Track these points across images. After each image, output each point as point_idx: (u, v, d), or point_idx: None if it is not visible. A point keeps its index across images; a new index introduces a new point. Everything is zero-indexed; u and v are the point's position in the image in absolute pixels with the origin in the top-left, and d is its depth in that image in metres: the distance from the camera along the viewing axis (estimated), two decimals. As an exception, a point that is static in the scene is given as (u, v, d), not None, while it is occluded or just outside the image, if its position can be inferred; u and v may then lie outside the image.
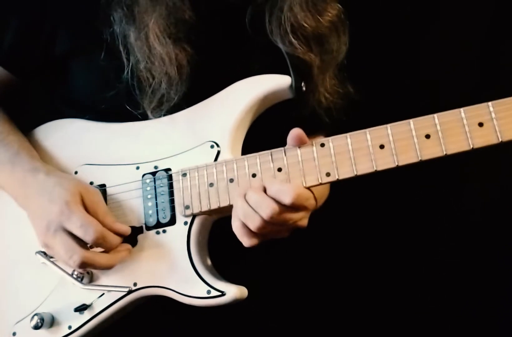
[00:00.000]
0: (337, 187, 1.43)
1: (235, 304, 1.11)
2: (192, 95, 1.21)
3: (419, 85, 1.66)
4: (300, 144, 1.09)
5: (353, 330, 1.68)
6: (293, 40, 1.22)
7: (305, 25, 1.23)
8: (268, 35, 1.24)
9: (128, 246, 1.17)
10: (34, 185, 1.18)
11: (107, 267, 1.14)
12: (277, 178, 1.09)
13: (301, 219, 1.08)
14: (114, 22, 1.19)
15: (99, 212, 1.14)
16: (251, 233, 1.07)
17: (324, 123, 1.32)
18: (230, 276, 1.16)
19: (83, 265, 1.11)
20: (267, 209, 1.02)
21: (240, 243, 1.21)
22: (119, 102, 1.21)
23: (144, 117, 1.22)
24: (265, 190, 1.05)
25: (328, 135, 1.13)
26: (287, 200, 1.03)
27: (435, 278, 1.74)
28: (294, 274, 1.48)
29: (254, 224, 1.04)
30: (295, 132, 1.08)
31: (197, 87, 1.21)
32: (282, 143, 1.13)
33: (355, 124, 1.11)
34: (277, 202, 1.04)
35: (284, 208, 1.04)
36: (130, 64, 1.19)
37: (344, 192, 1.45)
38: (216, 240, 1.19)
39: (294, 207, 1.05)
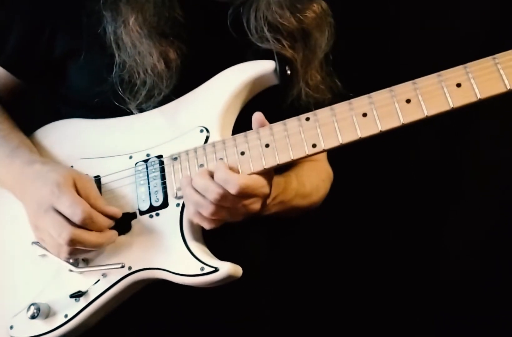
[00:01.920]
0: (340, 187, 1.44)
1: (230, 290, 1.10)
2: (183, 88, 1.25)
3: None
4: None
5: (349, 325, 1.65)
6: (269, 37, 1.26)
7: (284, 22, 1.26)
8: (247, 34, 1.27)
9: (115, 231, 1.17)
10: (30, 174, 1.21)
11: (96, 246, 1.14)
12: (264, 154, 1.11)
13: (252, 203, 1.09)
14: (106, 20, 1.25)
15: (91, 196, 1.16)
16: (207, 218, 1.09)
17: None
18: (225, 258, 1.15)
19: (72, 242, 1.11)
20: (214, 194, 1.05)
21: (235, 227, 1.22)
22: (111, 95, 1.25)
23: (136, 109, 1.25)
24: (212, 175, 1.08)
25: None
26: (232, 191, 1.05)
27: (436, 277, 1.72)
28: (291, 255, 1.46)
29: (206, 211, 1.08)
30: (256, 116, 1.12)
31: (188, 79, 1.24)
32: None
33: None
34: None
35: (231, 194, 1.06)
36: (121, 59, 1.24)
37: (346, 190, 1.45)
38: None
39: (241, 196, 1.07)
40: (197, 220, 1.10)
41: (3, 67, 1.34)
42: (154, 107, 1.25)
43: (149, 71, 1.22)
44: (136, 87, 1.23)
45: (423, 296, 1.71)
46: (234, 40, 1.28)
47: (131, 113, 1.28)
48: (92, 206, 1.15)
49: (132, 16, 1.23)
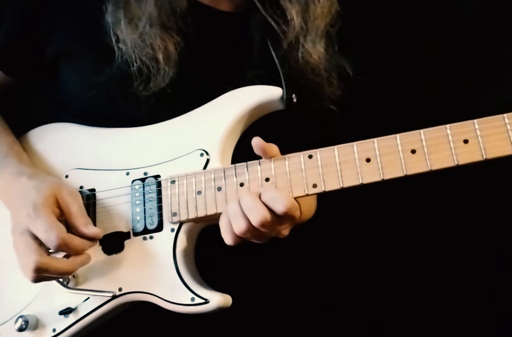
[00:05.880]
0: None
1: (220, 312, 1.12)
2: (178, 82, 1.23)
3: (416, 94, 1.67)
4: (265, 153, 1.10)
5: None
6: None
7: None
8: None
9: (87, 255, 1.16)
10: (16, 188, 1.19)
11: (65, 273, 1.13)
12: (264, 188, 1.11)
13: (285, 228, 1.10)
14: (106, 11, 1.22)
15: (72, 213, 1.15)
16: (234, 233, 1.07)
17: (314, 138, 1.35)
18: (216, 283, 1.17)
19: (38, 270, 1.10)
20: (258, 215, 1.03)
21: (227, 251, 1.23)
22: (109, 87, 1.23)
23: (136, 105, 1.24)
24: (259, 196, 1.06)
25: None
26: (280, 208, 1.03)
27: (433, 281, 1.72)
28: (282, 283, 1.48)
29: (238, 227, 1.05)
30: (255, 142, 1.10)
31: (184, 74, 1.24)
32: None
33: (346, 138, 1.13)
34: (269, 209, 1.05)
35: (274, 217, 1.05)
36: (120, 51, 1.21)
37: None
38: (203, 247, 1.21)
39: (283, 217, 1.06)
40: (223, 230, 1.08)
41: None
42: (154, 99, 1.22)
43: (147, 62, 1.21)
44: (133, 78, 1.21)
45: (422, 298, 1.71)
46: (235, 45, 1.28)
47: (127, 121, 1.26)
48: (71, 225, 1.14)
49: (136, 7, 1.21)
